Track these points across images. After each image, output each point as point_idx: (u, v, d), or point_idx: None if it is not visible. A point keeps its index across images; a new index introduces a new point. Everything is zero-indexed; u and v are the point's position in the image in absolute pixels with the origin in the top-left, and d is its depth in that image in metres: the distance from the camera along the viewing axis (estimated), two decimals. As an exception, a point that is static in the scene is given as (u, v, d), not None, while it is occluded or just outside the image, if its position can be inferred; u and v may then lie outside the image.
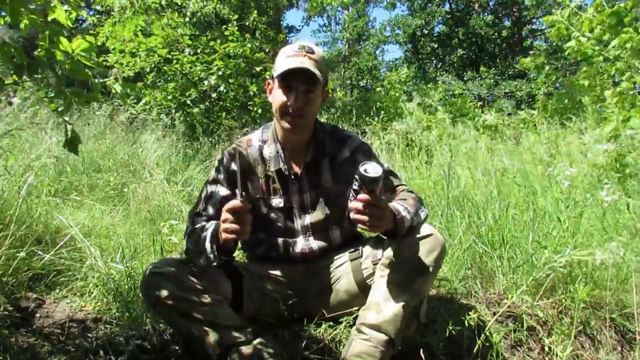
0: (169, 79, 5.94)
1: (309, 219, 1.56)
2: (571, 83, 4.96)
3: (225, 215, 1.28)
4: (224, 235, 1.30)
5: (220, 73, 5.71)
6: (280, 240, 1.57)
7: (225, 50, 5.85)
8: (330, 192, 1.56)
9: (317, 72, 1.42)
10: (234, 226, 1.26)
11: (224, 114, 6.09)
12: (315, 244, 1.57)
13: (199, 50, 6.00)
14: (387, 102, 7.26)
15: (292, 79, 1.43)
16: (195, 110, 5.84)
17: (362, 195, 1.23)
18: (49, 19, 1.25)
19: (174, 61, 5.72)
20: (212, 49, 5.94)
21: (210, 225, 1.39)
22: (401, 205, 1.38)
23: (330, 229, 1.59)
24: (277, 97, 1.47)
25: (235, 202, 1.26)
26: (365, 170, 1.22)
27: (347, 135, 1.61)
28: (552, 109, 4.47)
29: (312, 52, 1.45)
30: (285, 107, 1.45)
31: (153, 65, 5.78)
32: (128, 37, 5.54)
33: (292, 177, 1.55)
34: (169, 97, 5.90)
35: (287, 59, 1.44)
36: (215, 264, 1.37)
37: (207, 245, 1.35)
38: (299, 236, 1.57)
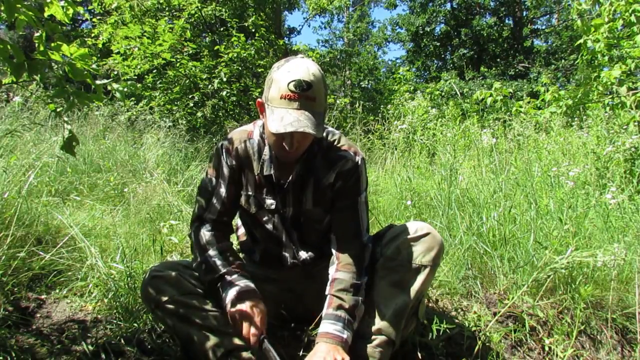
0: (173, 82, 5.98)
1: (294, 233, 1.52)
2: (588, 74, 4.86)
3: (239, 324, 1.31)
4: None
5: (225, 79, 5.74)
6: (271, 249, 1.55)
7: (230, 55, 5.89)
8: (308, 214, 1.48)
9: (317, 131, 1.23)
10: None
11: (224, 114, 6.12)
12: (303, 254, 1.54)
13: (202, 53, 6.03)
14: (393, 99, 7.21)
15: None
16: (199, 114, 5.88)
17: None
18: (45, 15, 1.23)
19: (177, 64, 5.76)
20: (216, 53, 5.98)
21: (229, 287, 1.35)
22: (339, 325, 1.31)
23: (312, 244, 1.55)
24: (270, 132, 1.30)
25: (254, 336, 1.29)
26: None
27: (340, 156, 1.44)
28: (566, 103, 4.33)
29: (310, 87, 1.24)
30: (279, 146, 1.32)
31: (153, 68, 5.84)
32: (136, 34, 5.61)
33: (279, 186, 1.46)
34: (172, 98, 5.93)
35: (282, 110, 1.23)
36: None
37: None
38: (288, 247, 1.54)
